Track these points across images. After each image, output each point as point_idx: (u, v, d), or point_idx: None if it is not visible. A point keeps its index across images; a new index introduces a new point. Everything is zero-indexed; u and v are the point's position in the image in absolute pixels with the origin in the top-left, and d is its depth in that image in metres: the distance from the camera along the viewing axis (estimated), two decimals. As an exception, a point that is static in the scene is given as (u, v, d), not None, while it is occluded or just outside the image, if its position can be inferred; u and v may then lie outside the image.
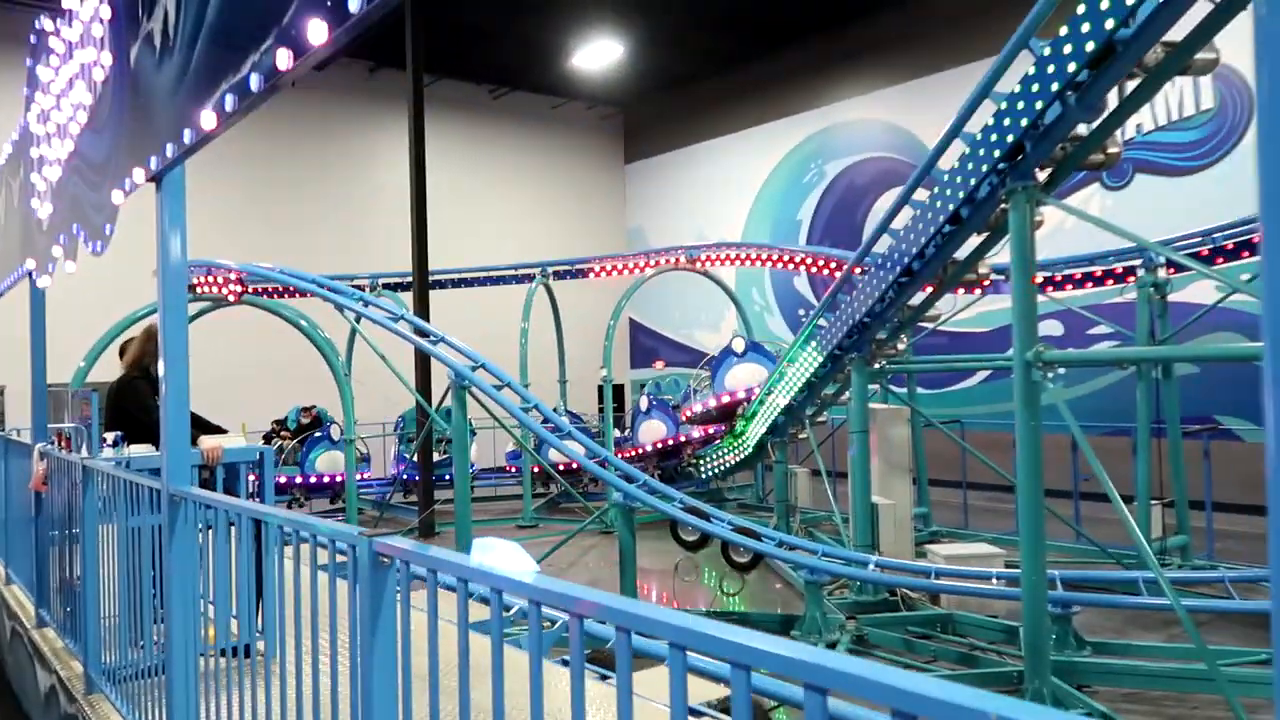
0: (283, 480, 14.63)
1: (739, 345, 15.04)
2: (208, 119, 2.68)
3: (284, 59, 2.16)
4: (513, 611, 4.29)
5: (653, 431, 14.74)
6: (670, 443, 14.66)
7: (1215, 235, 10.65)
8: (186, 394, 3.71)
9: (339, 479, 15.00)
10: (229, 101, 2.51)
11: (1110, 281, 12.14)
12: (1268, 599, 5.52)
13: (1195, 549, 11.05)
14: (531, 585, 1.58)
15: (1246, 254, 10.42)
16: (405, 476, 16.20)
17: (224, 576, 3.71)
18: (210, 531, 3.70)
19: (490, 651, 1.73)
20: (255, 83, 2.35)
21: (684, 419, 15.35)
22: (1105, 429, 12.60)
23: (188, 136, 2.87)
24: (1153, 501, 10.88)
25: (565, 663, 5.18)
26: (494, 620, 1.72)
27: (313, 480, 15.26)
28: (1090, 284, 12.40)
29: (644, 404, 14.85)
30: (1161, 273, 11.11)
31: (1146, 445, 10.89)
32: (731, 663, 1.32)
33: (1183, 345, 12.33)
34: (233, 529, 3.48)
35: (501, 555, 1.75)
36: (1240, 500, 13.22)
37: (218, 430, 5.02)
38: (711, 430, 15.20)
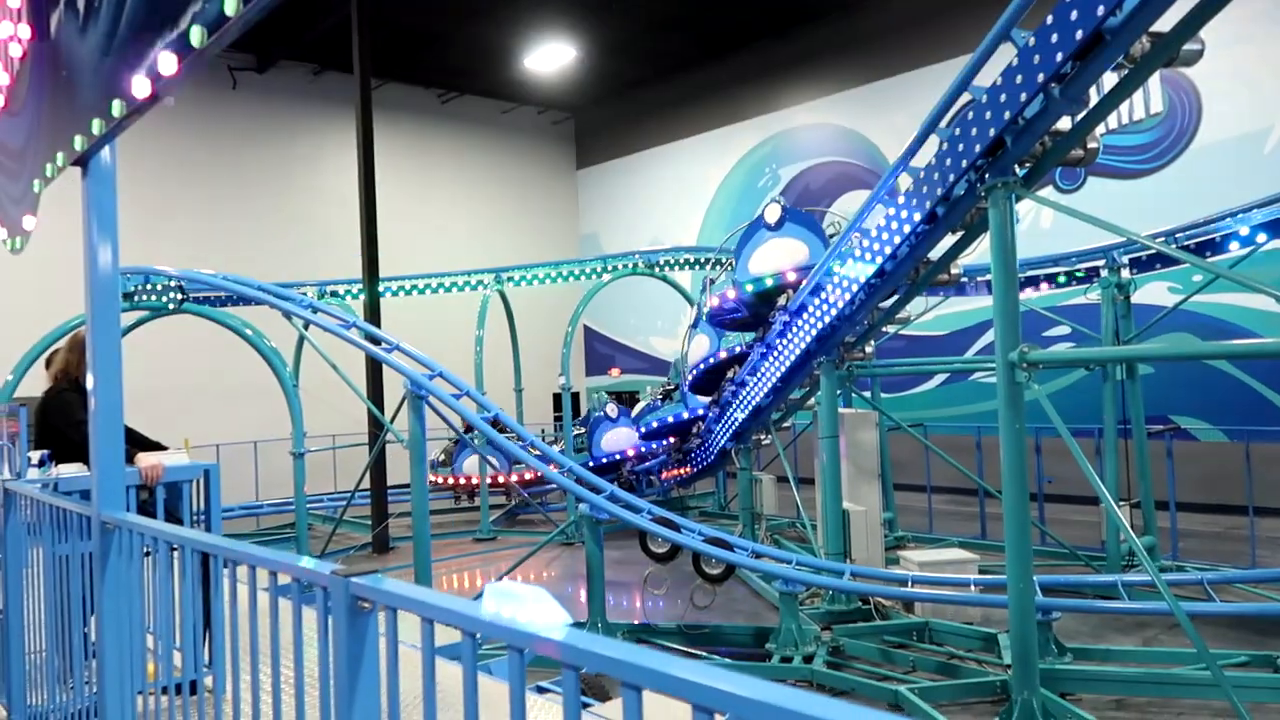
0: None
1: (773, 214, 11.28)
2: (140, 86, 2.31)
3: (232, 4, 1.80)
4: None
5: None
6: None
7: (1178, 235, 10.63)
8: (119, 409, 3.30)
9: (475, 481, 15.64)
10: (165, 62, 2.14)
11: (1073, 282, 12.12)
12: (1245, 600, 5.41)
13: (1160, 549, 11.02)
14: (566, 643, 1.24)
15: (1209, 254, 10.42)
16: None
17: (166, 605, 3.31)
18: (149, 557, 3.30)
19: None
20: (197, 36, 1.98)
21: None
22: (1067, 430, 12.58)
23: (117, 109, 2.49)
24: (1119, 502, 10.83)
25: (541, 689, 4.83)
26: (514, 689, 1.36)
27: (460, 481, 15.96)
28: (1052, 285, 12.37)
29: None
30: (1125, 273, 11.09)
31: (1114, 446, 10.85)
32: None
33: (1160, 344, 12.39)
34: (175, 554, 3.09)
35: (524, 603, 1.36)
36: (1197, 499, 13.33)
37: (157, 447, 4.58)
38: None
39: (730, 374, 11.80)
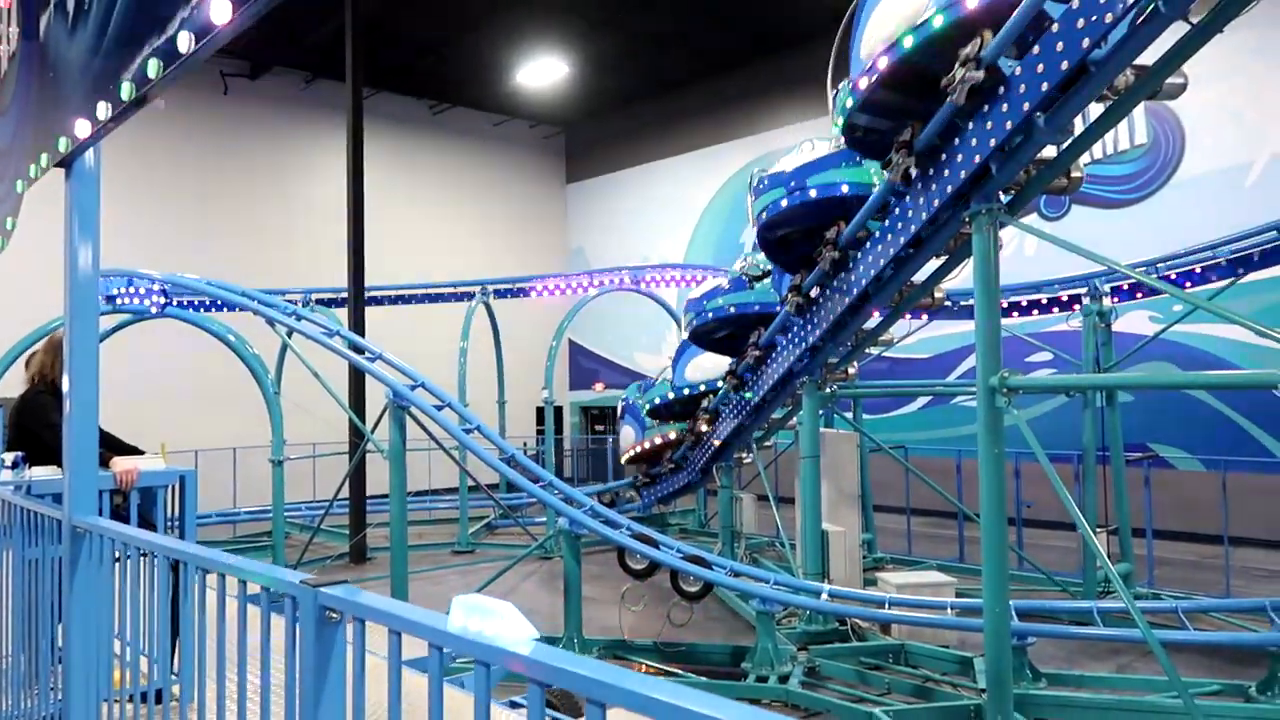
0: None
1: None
2: (127, 89, 2.30)
3: (220, 12, 1.81)
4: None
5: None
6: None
7: (1159, 265, 10.75)
8: (94, 412, 3.27)
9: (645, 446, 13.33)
10: (152, 67, 2.14)
11: (1056, 309, 12.22)
12: (1219, 629, 5.44)
13: (1136, 577, 11.08)
14: (533, 659, 1.24)
15: (1189, 284, 10.54)
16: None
17: (136, 612, 3.27)
18: (120, 563, 3.26)
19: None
20: (184, 42, 1.98)
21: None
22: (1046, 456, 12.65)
23: (103, 111, 2.48)
24: (1097, 529, 10.89)
25: (514, 704, 4.80)
26: (478, 703, 1.36)
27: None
28: (1036, 311, 12.48)
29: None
30: (1106, 301, 11.19)
31: (1093, 472, 10.92)
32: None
33: (1140, 373, 12.51)
34: (144, 561, 3.05)
35: (491, 618, 1.36)
36: (1173, 527, 13.43)
37: (133, 451, 4.54)
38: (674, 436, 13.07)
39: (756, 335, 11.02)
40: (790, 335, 9.78)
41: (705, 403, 11.89)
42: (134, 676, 3.24)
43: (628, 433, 13.42)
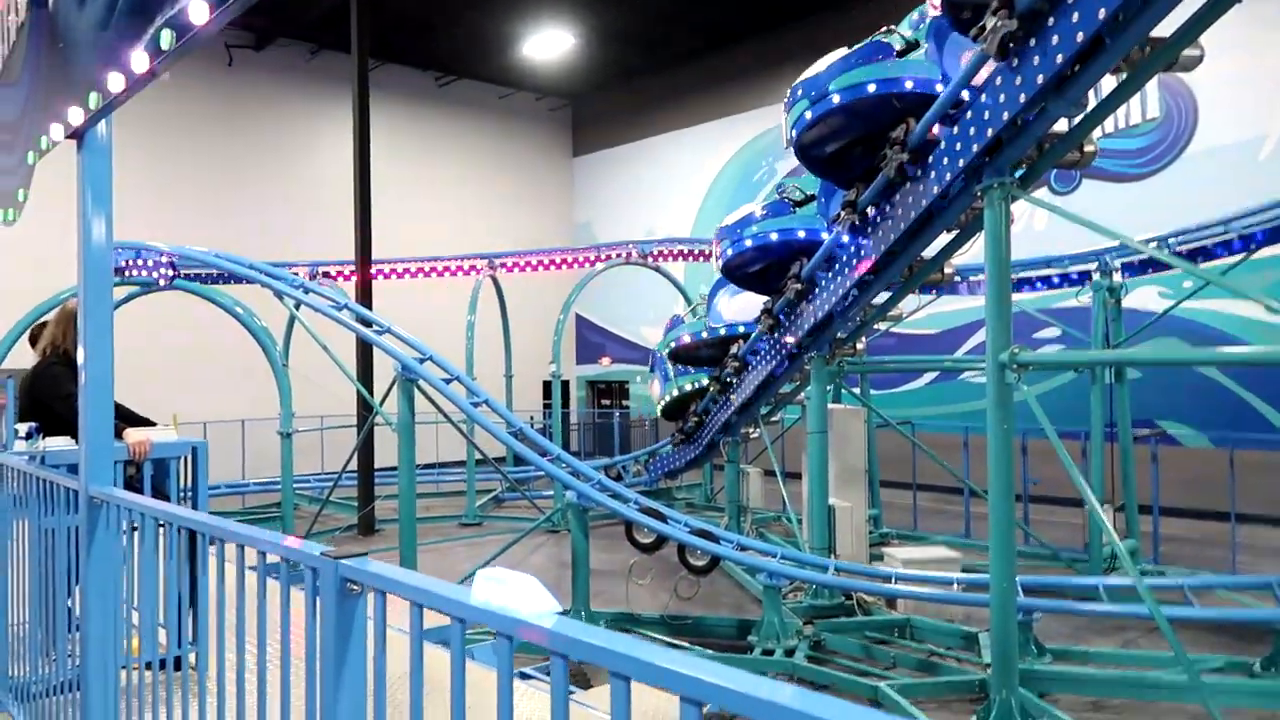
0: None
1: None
2: (139, 60, 2.29)
3: (235, -20, 1.79)
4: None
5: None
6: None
7: (1170, 240, 10.68)
8: (110, 383, 3.28)
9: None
10: (165, 38, 2.13)
11: (1065, 285, 12.16)
12: (1225, 605, 5.46)
13: (1142, 553, 11.10)
14: (556, 631, 1.25)
15: (1200, 260, 10.47)
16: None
17: (151, 581, 3.30)
18: (135, 532, 3.29)
19: (497, 710, 1.38)
20: (198, 13, 1.97)
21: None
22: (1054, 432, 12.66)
23: (114, 83, 2.47)
24: (1104, 505, 10.90)
25: (524, 675, 4.85)
26: (501, 676, 1.37)
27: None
28: (1046, 287, 12.42)
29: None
30: (1116, 277, 11.14)
31: (1100, 449, 10.91)
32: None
33: (1149, 350, 12.45)
34: (162, 530, 3.08)
35: (514, 590, 1.36)
36: (1180, 504, 13.43)
37: (145, 423, 4.56)
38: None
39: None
40: (839, 265, 8.65)
41: (735, 348, 10.95)
42: (151, 645, 3.28)
43: (654, 387, 12.96)
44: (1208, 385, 14.55)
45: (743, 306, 11.07)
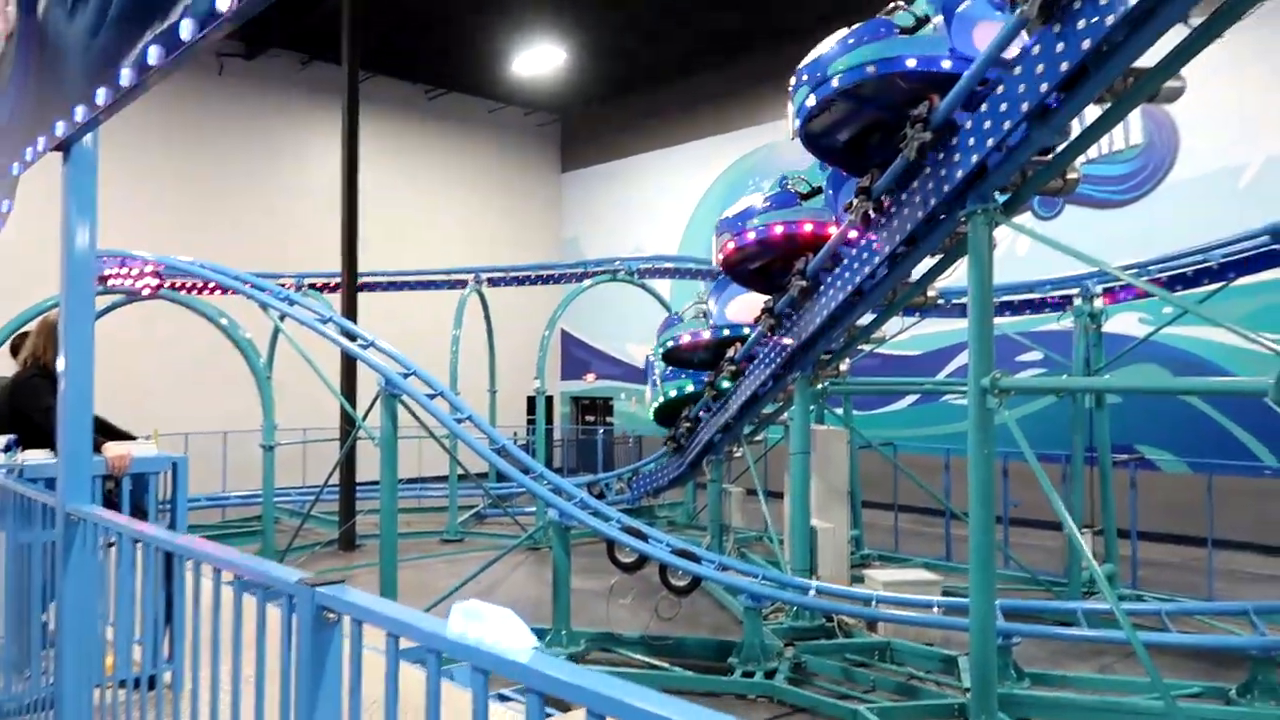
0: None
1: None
2: (127, 75, 2.28)
3: None
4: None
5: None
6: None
7: (1151, 268, 10.79)
8: (90, 397, 3.25)
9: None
10: (153, 54, 2.13)
11: (1047, 309, 12.26)
12: (1202, 631, 5.49)
13: (1120, 578, 11.15)
14: (529, 667, 1.25)
15: (1180, 287, 10.58)
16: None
17: (127, 598, 3.26)
18: (112, 548, 3.25)
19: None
20: (188, 30, 1.97)
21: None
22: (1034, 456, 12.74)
23: (102, 97, 2.46)
24: (1083, 529, 10.96)
25: (503, 698, 4.82)
26: (476, 713, 1.36)
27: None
28: (1028, 311, 12.52)
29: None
30: (1098, 303, 11.24)
31: (1081, 473, 10.98)
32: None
33: (1129, 377, 12.55)
34: (139, 548, 3.05)
35: (491, 624, 1.35)
36: (1158, 529, 13.52)
37: (125, 436, 4.52)
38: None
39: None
40: (851, 258, 8.05)
41: (732, 351, 10.50)
42: (125, 663, 3.24)
43: (647, 394, 12.66)
44: (1187, 411, 14.68)
45: (746, 307, 10.38)
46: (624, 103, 24.79)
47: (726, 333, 10.73)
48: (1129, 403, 14.57)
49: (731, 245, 9.60)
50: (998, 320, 12.47)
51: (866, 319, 9.34)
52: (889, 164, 7.09)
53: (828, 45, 7.41)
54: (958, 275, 7.89)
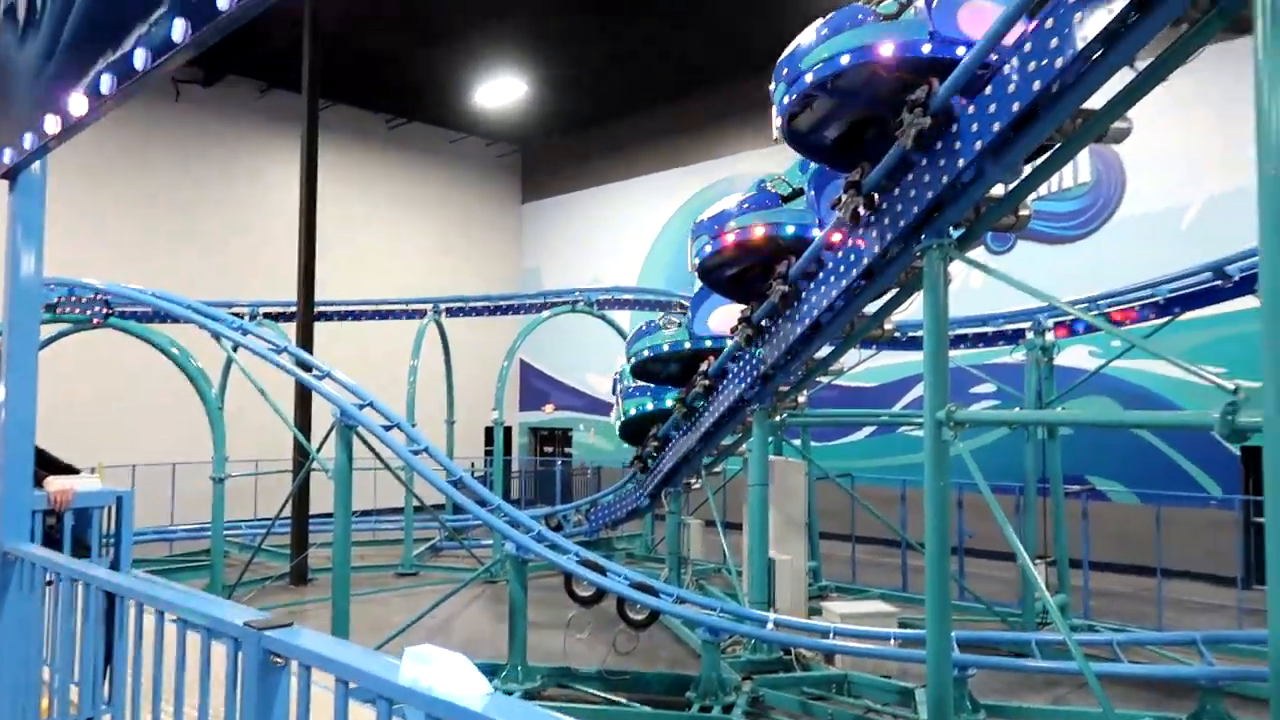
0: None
1: None
2: (77, 103, 2.25)
3: (179, 30, 1.77)
4: None
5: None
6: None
7: (1100, 302, 11.03)
8: (31, 433, 3.17)
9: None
10: (105, 82, 2.09)
11: (1000, 342, 12.47)
12: (1153, 661, 5.56)
13: (1073, 608, 11.27)
14: (481, 715, 1.22)
15: (1128, 321, 10.83)
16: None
17: (66, 638, 3.16)
18: (51, 587, 3.15)
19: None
20: (141, 60, 1.94)
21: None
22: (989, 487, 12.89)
23: (51, 125, 2.42)
24: (1036, 559, 11.08)
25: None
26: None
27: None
28: (982, 344, 12.72)
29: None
30: (1049, 336, 11.45)
31: (1034, 504, 11.12)
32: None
33: (1080, 410, 12.74)
34: (79, 587, 2.95)
35: (442, 670, 1.31)
36: (1109, 559, 13.72)
37: (68, 470, 4.40)
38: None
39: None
40: (837, 261, 7.47)
41: (705, 365, 10.00)
42: (62, 706, 3.13)
43: (615, 411, 12.33)
44: (1136, 443, 14.96)
45: (730, 318, 9.72)
46: (585, 135, 24.93)
47: (709, 344, 10.13)
48: (1080, 435, 14.82)
49: (709, 248, 9.00)
50: (953, 353, 12.64)
51: (824, 351, 9.40)
52: (881, 158, 6.65)
53: (806, 37, 6.81)
54: (914, 309, 7.99)
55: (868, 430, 18.50)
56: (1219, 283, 9.93)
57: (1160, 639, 8.94)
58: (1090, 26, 4.86)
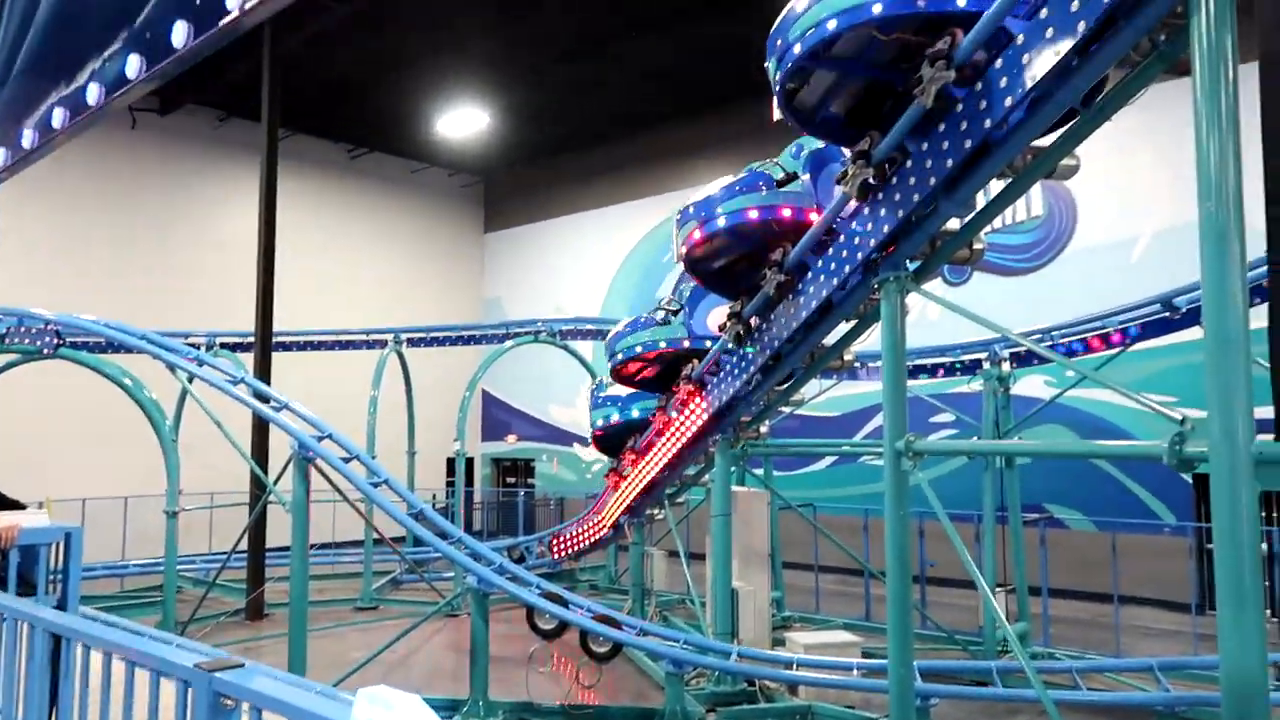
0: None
1: None
2: (29, 137, 2.22)
3: (134, 66, 1.77)
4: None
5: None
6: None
7: (1053, 333, 11.24)
8: (-24, 466, 3.08)
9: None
10: (57, 116, 2.08)
11: (958, 372, 12.64)
12: (1110, 687, 5.61)
13: (1032, 635, 11.37)
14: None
15: (1081, 352, 11.04)
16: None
17: (9, 680, 3.07)
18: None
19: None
20: (94, 95, 1.94)
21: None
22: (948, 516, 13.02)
23: (0, 158, 2.39)
24: (996, 588, 11.18)
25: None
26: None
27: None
28: (941, 373, 12.89)
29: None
30: (1005, 366, 11.63)
31: (993, 532, 11.23)
32: None
33: (1036, 440, 12.92)
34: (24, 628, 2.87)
35: (397, 713, 1.29)
36: (1067, 586, 13.88)
37: (14, 505, 4.29)
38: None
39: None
40: (839, 245, 7.00)
41: (688, 369, 9.52)
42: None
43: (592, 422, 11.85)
44: (1094, 472, 15.19)
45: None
46: (547, 165, 25.03)
47: (709, 345, 9.51)
48: (1038, 463, 15.03)
49: (698, 235, 8.21)
50: (912, 383, 12.81)
51: (784, 386, 9.46)
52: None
53: (796, 4, 6.03)
54: (873, 340, 8.08)
55: (829, 460, 18.61)
56: (1167, 314, 10.17)
57: (1118, 665, 9.04)
58: (1038, 67, 4.98)
